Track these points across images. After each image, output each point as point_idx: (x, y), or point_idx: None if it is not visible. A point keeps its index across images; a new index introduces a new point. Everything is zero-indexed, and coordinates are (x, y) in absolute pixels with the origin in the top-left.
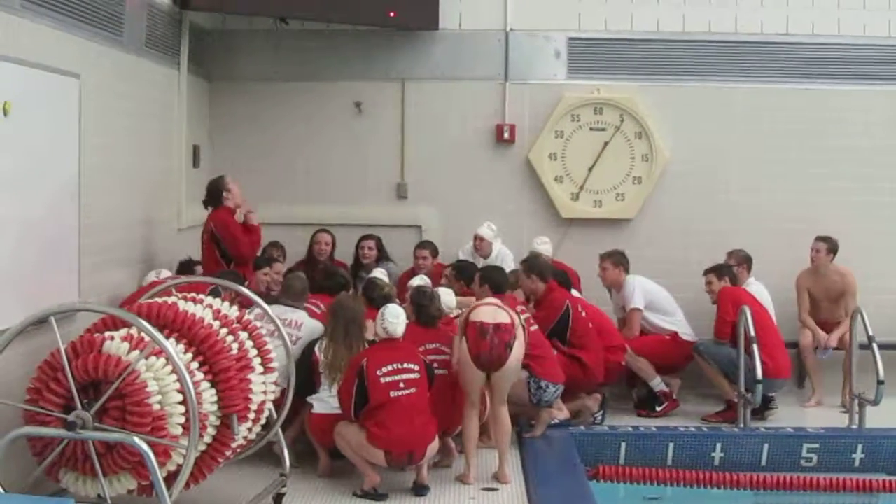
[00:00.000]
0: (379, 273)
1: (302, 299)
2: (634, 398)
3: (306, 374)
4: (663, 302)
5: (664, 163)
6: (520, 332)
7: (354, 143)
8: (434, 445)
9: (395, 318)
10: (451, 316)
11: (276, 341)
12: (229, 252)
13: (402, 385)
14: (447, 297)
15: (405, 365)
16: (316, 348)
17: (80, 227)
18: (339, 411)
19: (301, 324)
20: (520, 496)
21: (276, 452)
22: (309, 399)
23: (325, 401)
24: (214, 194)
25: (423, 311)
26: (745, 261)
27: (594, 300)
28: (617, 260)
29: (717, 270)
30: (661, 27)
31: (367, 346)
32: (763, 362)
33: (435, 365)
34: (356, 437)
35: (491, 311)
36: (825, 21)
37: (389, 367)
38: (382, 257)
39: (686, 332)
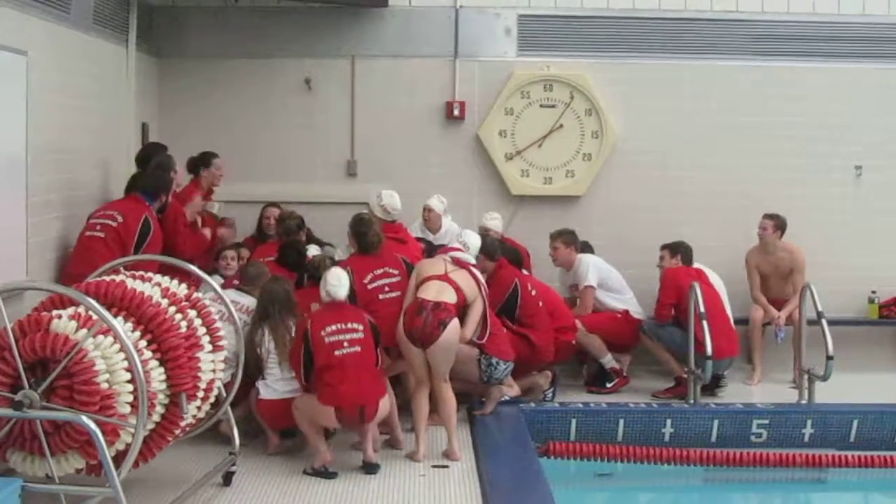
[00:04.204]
0: (314, 250)
1: (255, 285)
2: (585, 375)
3: (254, 358)
4: (614, 281)
5: (614, 140)
6: (476, 307)
7: (304, 121)
8: (385, 403)
9: (337, 280)
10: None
11: (229, 326)
12: (170, 243)
13: (346, 344)
14: (391, 200)
15: (349, 325)
16: (256, 339)
17: (27, 206)
18: (286, 396)
19: (251, 310)
20: (470, 473)
21: (225, 431)
22: (257, 384)
23: (271, 386)
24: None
25: (363, 238)
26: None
27: (544, 278)
28: (568, 239)
29: (673, 248)
30: (611, 4)
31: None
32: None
33: (386, 288)
34: (310, 403)
35: (436, 289)
36: None
37: (333, 328)
38: (312, 240)
39: (636, 311)
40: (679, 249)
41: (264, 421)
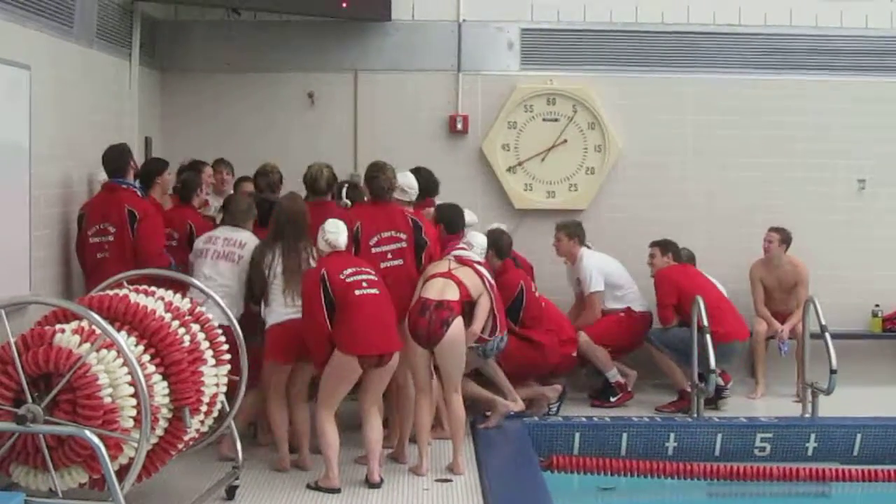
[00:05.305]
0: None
1: (247, 219)
2: (583, 377)
3: (260, 281)
4: (617, 277)
5: (617, 153)
6: (482, 303)
7: (307, 134)
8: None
9: (334, 227)
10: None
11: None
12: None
13: (364, 284)
14: (405, 179)
15: (363, 269)
16: (266, 261)
17: (30, 220)
18: (293, 317)
19: (244, 243)
20: (473, 487)
21: (225, 454)
22: (262, 316)
23: (275, 311)
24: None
25: (374, 182)
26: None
27: (546, 291)
28: (571, 231)
29: (663, 245)
30: (614, 18)
31: (314, 248)
32: (715, 332)
33: (389, 255)
34: (328, 374)
35: (440, 287)
36: (777, 11)
37: (350, 270)
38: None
39: (640, 304)
40: (670, 247)
41: (275, 354)
